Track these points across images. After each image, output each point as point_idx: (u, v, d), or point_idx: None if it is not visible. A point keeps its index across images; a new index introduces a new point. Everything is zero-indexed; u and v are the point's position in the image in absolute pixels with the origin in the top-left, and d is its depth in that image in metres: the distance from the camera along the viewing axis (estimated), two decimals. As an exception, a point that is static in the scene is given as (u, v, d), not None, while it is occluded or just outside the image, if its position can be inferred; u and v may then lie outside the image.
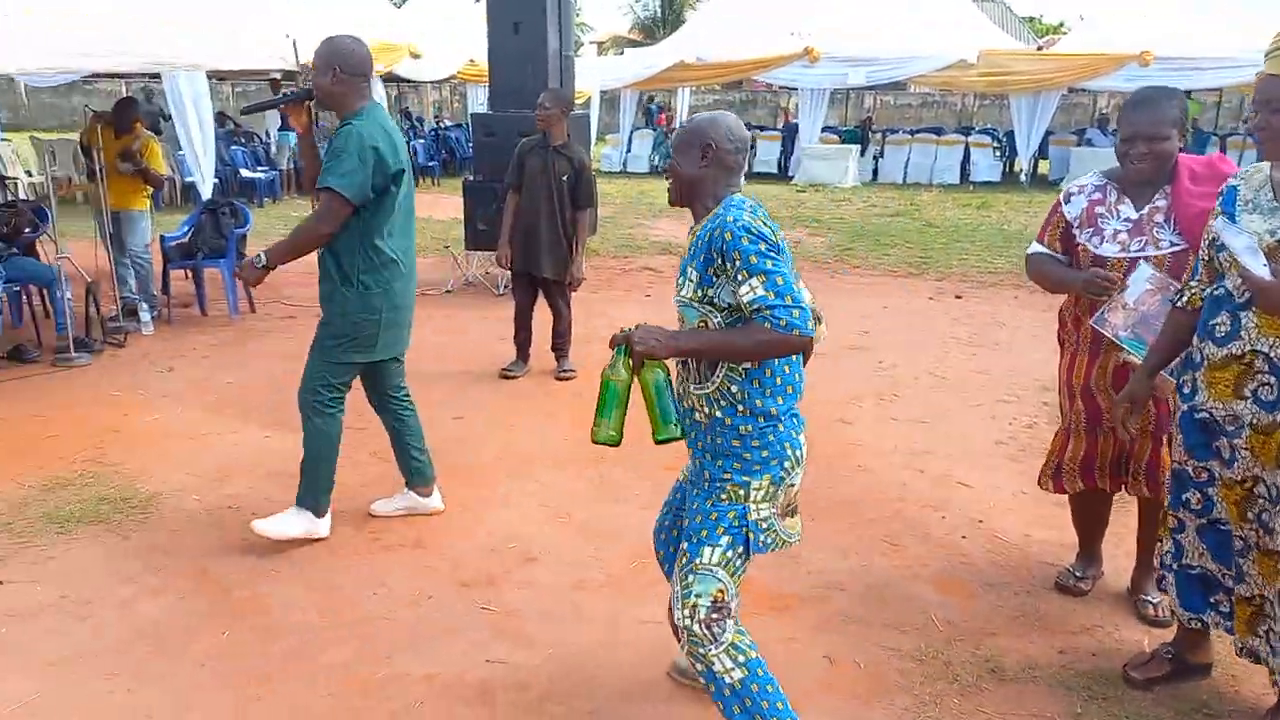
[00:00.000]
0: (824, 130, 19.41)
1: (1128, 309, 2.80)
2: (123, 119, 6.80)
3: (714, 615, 2.24)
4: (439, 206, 14.03)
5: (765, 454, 2.25)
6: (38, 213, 6.97)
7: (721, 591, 2.25)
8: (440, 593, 3.29)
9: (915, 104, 30.88)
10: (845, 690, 2.77)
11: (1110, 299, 2.82)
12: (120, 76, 21.11)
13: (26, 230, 6.67)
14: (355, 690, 2.74)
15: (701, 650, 2.25)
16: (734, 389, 2.24)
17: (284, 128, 15.02)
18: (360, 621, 3.10)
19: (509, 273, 6.20)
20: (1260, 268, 2.28)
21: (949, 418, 5.19)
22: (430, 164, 18.12)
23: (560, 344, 5.85)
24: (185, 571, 3.41)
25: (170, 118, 7.47)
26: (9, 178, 12.07)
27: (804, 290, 2.24)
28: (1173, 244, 2.80)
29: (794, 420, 2.31)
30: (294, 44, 7.14)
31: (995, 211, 13.95)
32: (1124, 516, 3.48)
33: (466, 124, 18.17)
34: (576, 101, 17.76)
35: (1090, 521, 3.29)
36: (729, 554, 2.26)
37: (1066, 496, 3.25)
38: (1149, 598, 3.10)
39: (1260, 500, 2.40)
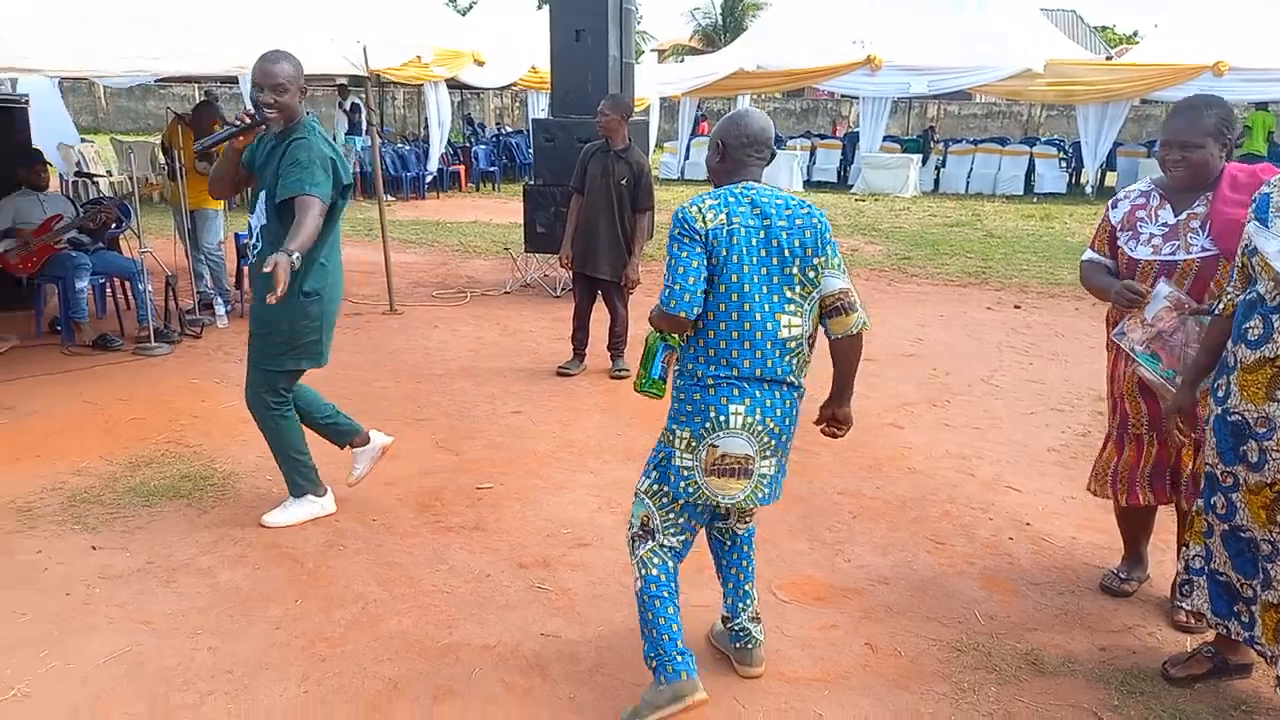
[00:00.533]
0: (885, 139, 19.34)
1: (1146, 324, 2.86)
2: (201, 121, 7.11)
3: (639, 534, 2.65)
4: (500, 211, 14.33)
5: (689, 409, 2.54)
6: (121, 209, 7.32)
7: (648, 517, 2.64)
8: (497, 572, 3.45)
9: (980, 114, 30.47)
10: (884, 674, 2.86)
11: (1132, 313, 2.89)
12: (191, 80, 21.90)
13: (111, 226, 7.01)
14: (416, 656, 2.90)
15: (630, 556, 2.68)
16: (682, 352, 2.60)
17: (350, 132, 15.44)
18: (421, 595, 3.27)
19: (568, 274, 6.37)
20: None
21: (1001, 425, 5.22)
22: (491, 169, 18.46)
23: (616, 343, 6.00)
24: (260, 544, 3.62)
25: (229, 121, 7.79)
26: (95, 175, 12.63)
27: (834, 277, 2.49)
28: (1204, 249, 2.83)
29: (731, 390, 2.49)
30: (364, 49, 7.40)
31: (1059, 223, 13.79)
32: (1172, 522, 3.50)
33: (527, 130, 18.49)
34: (636, 108, 17.98)
35: (1134, 525, 3.32)
36: (654, 487, 2.64)
37: (1114, 503, 3.29)
38: (1182, 604, 3.12)
39: None
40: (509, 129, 23.12)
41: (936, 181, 19.08)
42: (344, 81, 15.68)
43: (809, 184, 19.37)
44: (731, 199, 2.51)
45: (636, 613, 2.63)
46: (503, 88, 18.34)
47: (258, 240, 3.57)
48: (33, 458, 4.36)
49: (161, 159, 9.76)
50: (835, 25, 18.46)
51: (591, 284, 5.89)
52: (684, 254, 2.46)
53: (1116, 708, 2.68)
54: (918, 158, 18.61)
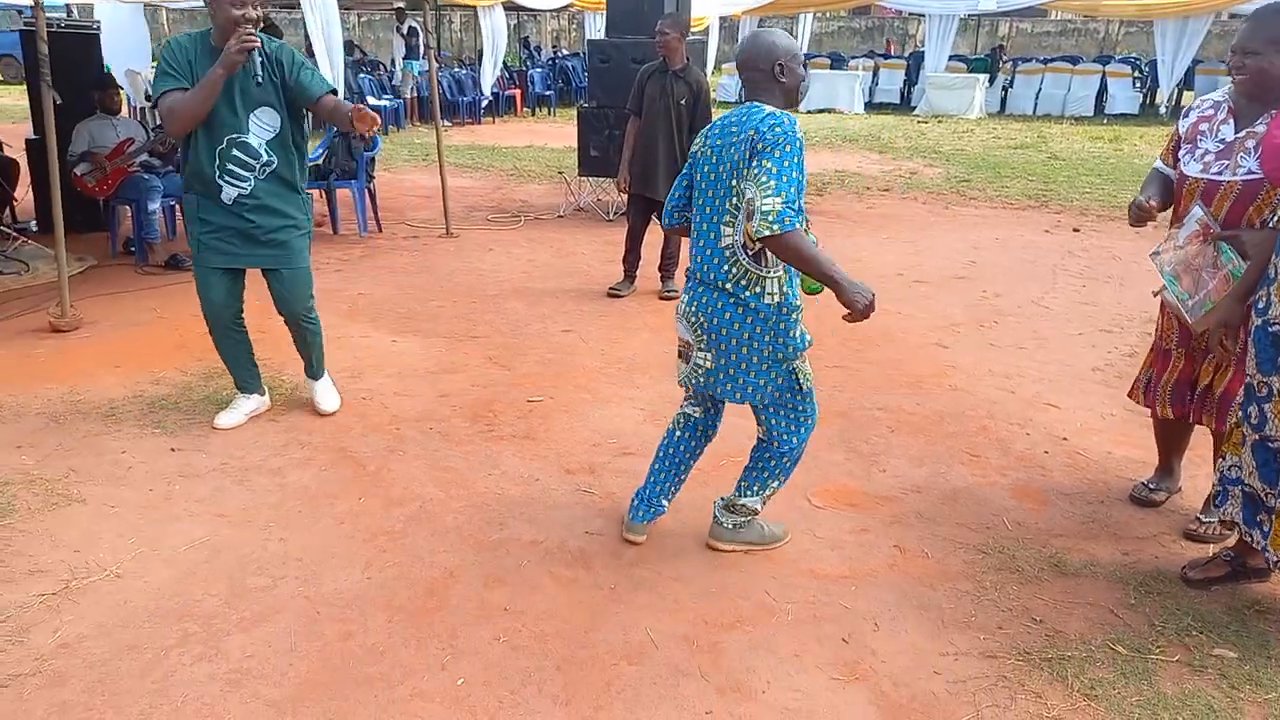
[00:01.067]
0: (951, 59, 18.79)
1: (1177, 246, 2.87)
2: None
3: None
4: (554, 135, 14.35)
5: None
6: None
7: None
8: (546, 477, 3.64)
9: (1054, 31, 29.23)
10: (911, 574, 2.99)
11: (1170, 233, 2.89)
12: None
13: (178, 150, 7.26)
14: (469, 548, 3.12)
15: None
16: None
17: (408, 56, 15.50)
18: (474, 496, 3.48)
19: (621, 198, 6.43)
20: None
21: (1047, 345, 5.23)
22: (547, 93, 18.42)
23: (667, 265, 6.09)
24: (326, 448, 3.86)
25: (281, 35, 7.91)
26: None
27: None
28: (1249, 172, 2.77)
29: (688, 285, 2.91)
30: (421, -27, 7.46)
31: (1128, 144, 13.38)
32: (1208, 439, 3.54)
33: (583, 53, 18.35)
34: (693, 28, 17.71)
35: (1170, 438, 3.36)
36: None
37: (1150, 415, 3.34)
38: (1203, 515, 3.18)
39: None
40: (565, 52, 22.93)
41: (1003, 102, 18.56)
42: (401, 5, 15.70)
43: (870, 105, 18.98)
44: (720, 124, 2.78)
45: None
46: (559, 9, 18.20)
47: (264, 152, 3.71)
48: (113, 368, 4.66)
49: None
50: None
51: (649, 206, 5.94)
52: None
53: (1133, 606, 2.79)
54: (984, 78, 18.07)
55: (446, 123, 15.77)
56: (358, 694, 2.44)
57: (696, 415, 3.14)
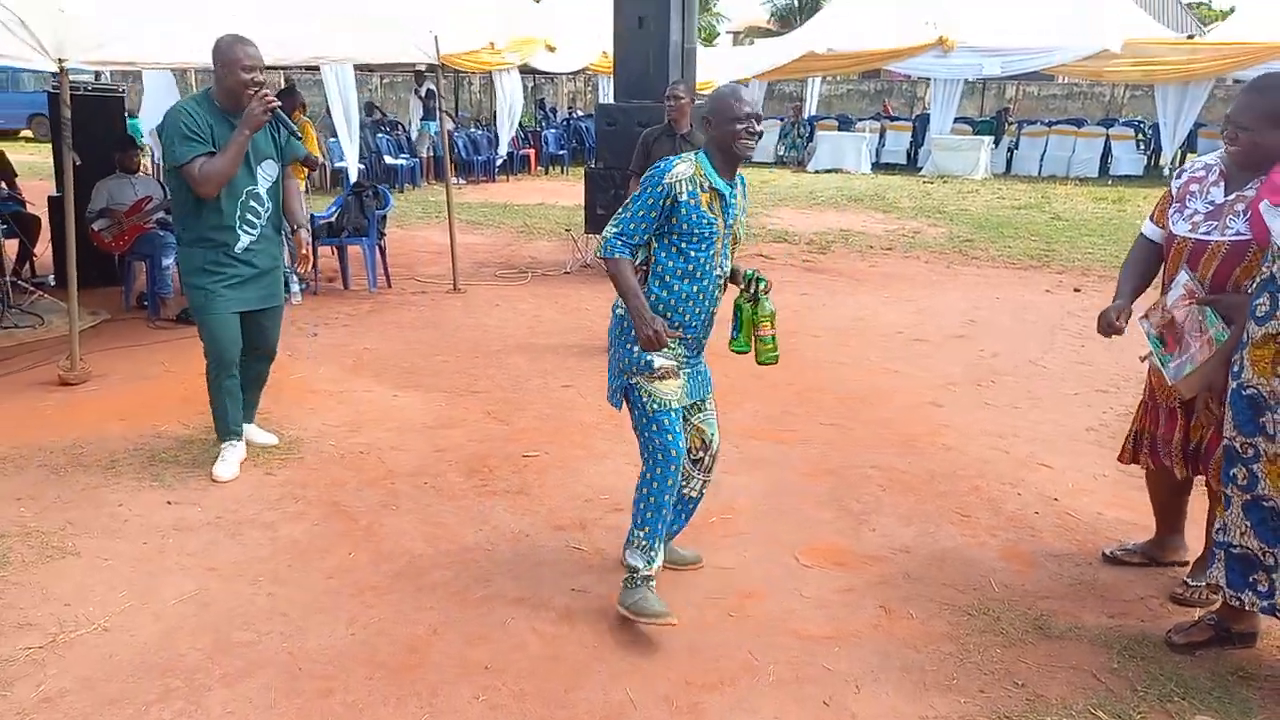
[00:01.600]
0: (957, 121, 19.04)
1: (1165, 310, 2.90)
2: (285, 108, 7.44)
3: None
4: (566, 193, 14.58)
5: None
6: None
7: None
8: (536, 533, 3.67)
9: (1060, 94, 29.52)
10: (896, 635, 2.99)
11: (1158, 299, 2.94)
12: (271, 68, 22.63)
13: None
14: (454, 605, 3.13)
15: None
16: None
17: (425, 117, 15.84)
18: (463, 551, 3.50)
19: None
20: None
21: (1042, 404, 5.25)
22: (560, 152, 18.74)
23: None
24: (320, 502, 3.90)
25: (306, 106, 8.14)
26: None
27: None
28: (1237, 234, 2.78)
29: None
30: (435, 38, 7.67)
31: (1131, 205, 13.46)
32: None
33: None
34: (702, 91, 18.00)
35: (1165, 497, 3.33)
36: None
37: (1145, 476, 3.34)
38: (1190, 580, 3.17)
39: None
40: (580, 113, 23.37)
41: (1009, 163, 18.74)
42: (422, 68, 16.08)
43: (877, 166, 19.19)
44: None
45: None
46: (575, 72, 18.59)
47: (266, 199, 4.06)
48: (117, 421, 4.73)
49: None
50: (908, 6, 18.20)
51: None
52: None
53: (1116, 670, 2.77)
54: (989, 139, 18.28)
55: (461, 181, 16.05)
56: (334, 750, 2.45)
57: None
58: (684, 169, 2.85)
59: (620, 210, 2.91)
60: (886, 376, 5.73)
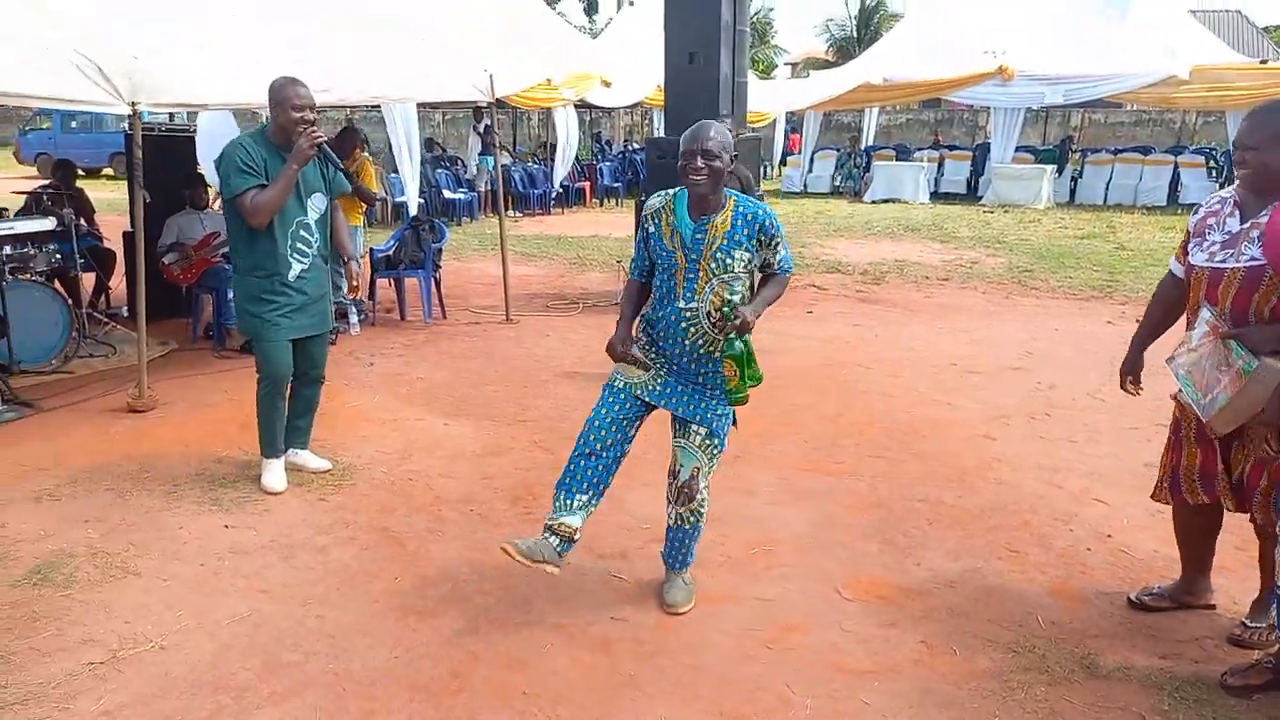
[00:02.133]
0: (1019, 149, 18.83)
1: (1190, 350, 2.85)
2: (344, 146, 7.71)
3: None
4: (619, 225, 14.72)
5: None
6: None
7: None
8: (578, 560, 3.69)
9: (1129, 121, 29.00)
10: (936, 670, 2.95)
11: (1184, 338, 2.90)
12: (334, 107, 23.40)
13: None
14: (495, 630, 3.18)
15: (704, 508, 3.28)
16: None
17: (484, 152, 16.18)
18: (506, 577, 3.55)
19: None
20: None
21: (1100, 439, 5.13)
22: (615, 185, 18.96)
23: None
24: (369, 528, 3.99)
25: (367, 144, 8.40)
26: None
27: None
28: (1251, 260, 2.74)
29: None
30: (490, 77, 7.87)
31: (1200, 235, 13.11)
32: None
33: (652, 147, 18.91)
34: (756, 124, 18.12)
35: (1192, 537, 3.24)
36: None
37: (1172, 514, 3.27)
38: (1249, 621, 3.07)
39: None
40: (636, 146, 23.63)
41: (1072, 192, 18.44)
42: (483, 105, 16.47)
43: (936, 195, 19.04)
44: None
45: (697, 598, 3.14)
46: (631, 106, 18.85)
47: (316, 230, 4.24)
48: (181, 447, 4.90)
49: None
50: (968, 36, 18.14)
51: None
52: None
53: (1166, 712, 2.70)
54: (1051, 168, 18.02)
55: (517, 214, 16.34)
56: (373, 771, 2.50)
57: None
58: (656, 202, 3.17)
59: None
60: (938, 409, 5.66)
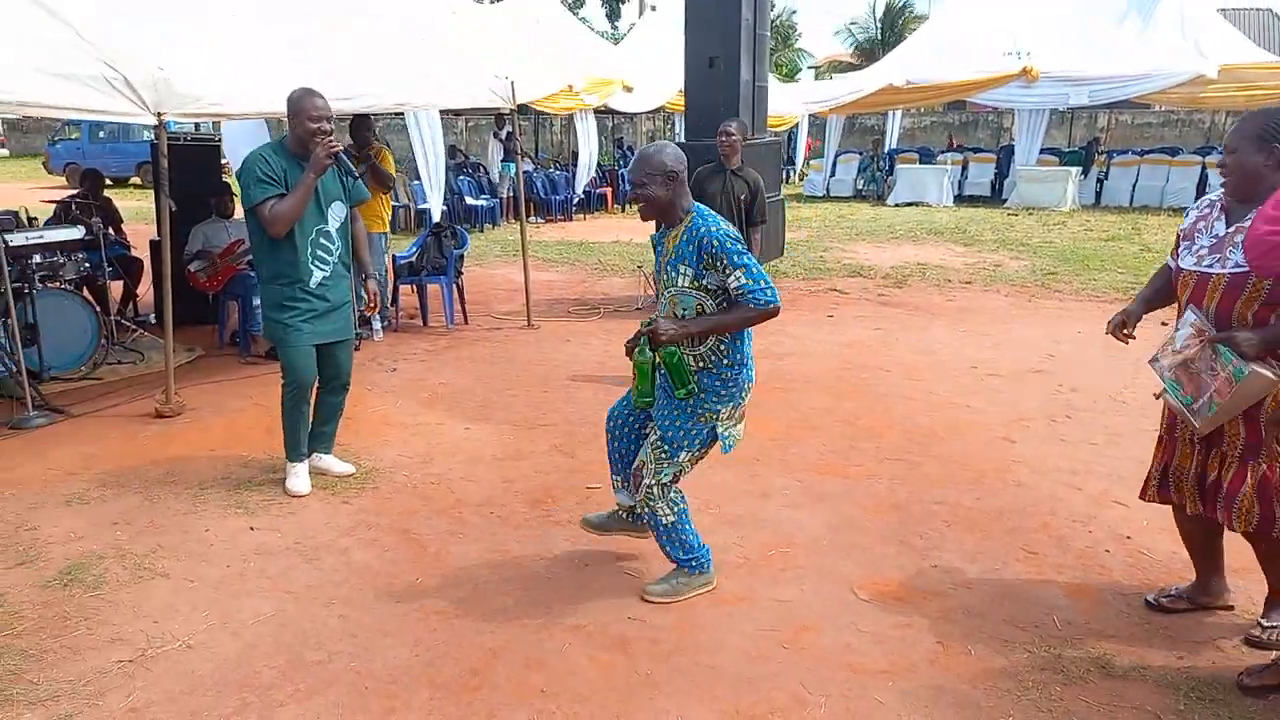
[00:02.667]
0: (1043, 151, 18.69)
1: (1175, 351, 2.85)
2: (357, 135, 7.66)
3: (669, 483, 3.33)
4: (641, 230, 14.69)
5: (732, 388, 3.27)
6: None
7: (679, 473, 3.35)
8: (596, 562, 3.74)
9: (1156, 122, 28.61)
10: (951, 670, 2.96)
11: (1167, 339, 2.90)
12: (359, 116, 23.60)
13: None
14: (515, 630, 3.22)
15: (651, 503, 3.34)
16: (721, 348, 3.21)
17: (506, 159, 16.28)
18: (525, 579, 3.59)
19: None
20: None
21: (1121, 441, 5.11)
22: (639, 190, 18.98)
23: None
24: (391, 530, 4.05)
25: (376, 134, 8.37)
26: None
27: None
28: (1236, 265, 2.75)
29: (751, 366, 3.32)
30: (511, 83, 7.94)
31: (1227, 235, 12.97)
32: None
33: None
34: (779, 128, 18.10)
35: (1198, 539, 3.24)
36: (694, 453, 3.33)
37: (1174, 516, 3.26)
38: (1266, 621, 3.06)
39: None
40: (658, 151, 23.70)
41: (1098, 194, 18.27)
42: (505, 111, 16.55)
43: (960, 198, 18.93)
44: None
45: (690, 568, 3.44)
46: (653, 111, 18.91)
47: (336, 238, 4.30)
48: (207, 451, 4.99)
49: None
50: (992, 37, 18.04)
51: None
52: (754, 260, 3.13)
53: (1181, 712, 2.69)
54: (1076, 170, 17.86)
55: (539, 220, 16.42)
56: (393, 767, 2.54)
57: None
58: None
59: (755, 266, 3.22)
60: (958, 411, 5.65)
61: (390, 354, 7.19)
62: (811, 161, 22.65)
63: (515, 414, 5.66)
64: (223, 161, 9.40)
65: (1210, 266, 2.85)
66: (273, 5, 6.54)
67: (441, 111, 10.80)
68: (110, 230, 7.72)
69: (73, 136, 23.56)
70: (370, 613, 3.37)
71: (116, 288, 7.82)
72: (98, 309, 6.62)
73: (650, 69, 15.86)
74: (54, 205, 7.91)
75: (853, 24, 43.00)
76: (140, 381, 6.39)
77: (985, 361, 6.86)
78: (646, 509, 3.37)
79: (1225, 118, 26.27)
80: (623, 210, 18.64)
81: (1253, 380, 2.64)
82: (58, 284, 6.41)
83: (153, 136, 5.93)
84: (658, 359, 3.18)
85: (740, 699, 2.83)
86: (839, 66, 41.53)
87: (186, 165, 7.33)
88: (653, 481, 3.31)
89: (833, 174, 21.05)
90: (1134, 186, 17.81)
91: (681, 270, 3.14)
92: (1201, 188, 17.22)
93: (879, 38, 41.78)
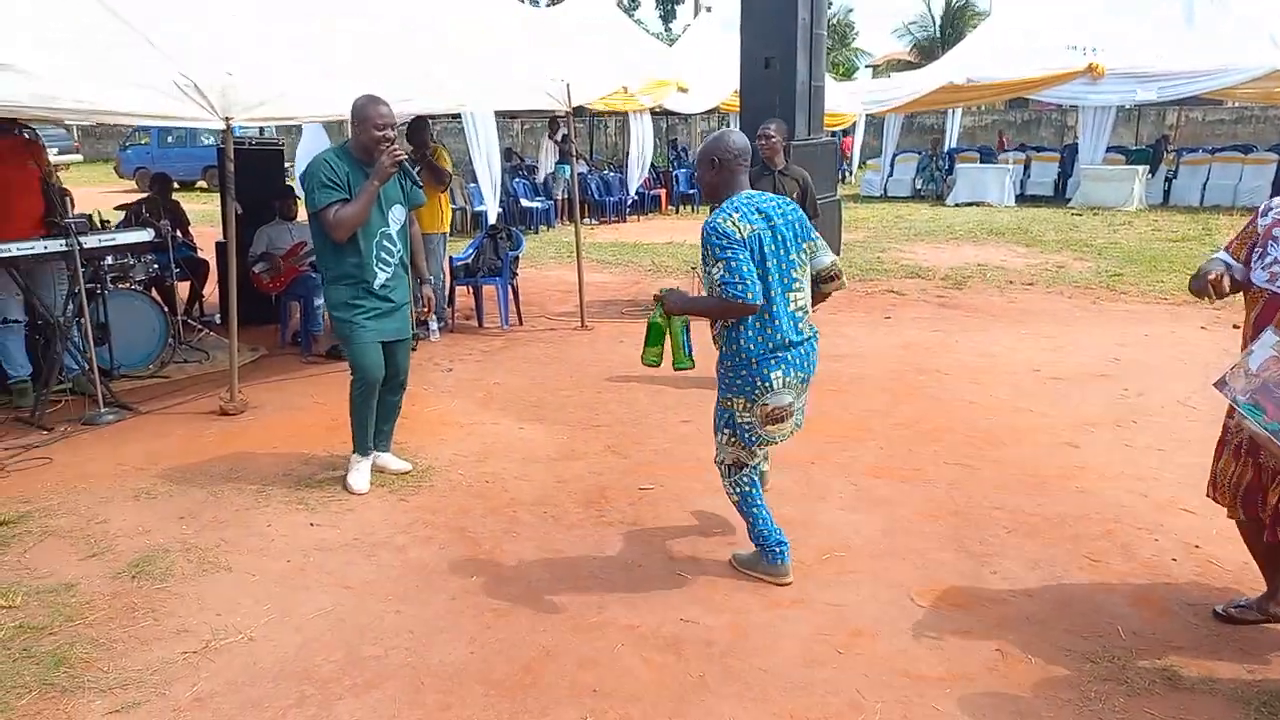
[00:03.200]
0: (1109, 150, 18.22)
1: (1250, 374, 2.70)
2: (416, 138, 7.76)
3: (733, 466, 3.51)
4: (692, 232, 14.69)
5: (739, 382, 3.35)
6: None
7: (735, 458, 3.48)
8: (649, 563, 3.74)
9: (1229, 119, 27.69)
10: (1010, 678, 2.90)
11: (1238, 361, 2.75)
12: (417, 117, 23.93)
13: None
14: (568, 629, 3.24)
15: (723, 480, 3.58)
16: (720, 338, 3.36)
17: (560, 161, 16.38)
18: (579, 578, 3.61)
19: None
20: None
21: (1189, 447, 4.95)
22: (691, 191, 18.97)
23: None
24: (447, 528, 4.10)
25: (432, 134, 8.46)
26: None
27: (824, 254, 3.44)
28: None
29: (773, 361, 3.29)
30: (566, 86, 7.99)
31: (1304, 235, 12.51)
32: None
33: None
34: (834, 127, 17.90)
35: (1258, 552, 3.13)
36: (730, 439, 3.49)
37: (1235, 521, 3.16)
38: None
39: None
40: (713, 153, 23.64)
41: (1166, 194, 17.74)
42: (561, 114, 16.66)
43: (1022, 198, 18.55)
44: (744, 209, 3.23)
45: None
46: (708, 112, 18.88)
47: (398, 240, 4.39)
48: (271, 448, 5.10)
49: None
50: (1055, 33, 17.65)
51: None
52: (739, 257, 3.13)
53: (1251, 728, 2.61)
54: (1143, 169, 17.37)
55: (593, 221, 16.48)
56: (448, 762, 2.57)
57: (757, 466, 3.60)
58: None
59: (735, 261, 3.26)
60: (1019, 415, 5.54)
61: (446, 354, 7.28)
62: (869, 162, 22.37)
63: (569, 414, 5.68)
64: (286, 165, 9.59)
65: None
66: (334, 8, 6.67)
67: (497, 114, 10.91)
68: (178, 233, 7.93)
69: (142, 142, 24.24)
70: (426, 608, 3.42)
71: (184, 288, 8.04)
72: (165, 309, 6.82)
73: (705, 70, 15.80)
74: (125, 210, 8.15)
75: (910, 24, 42.45)
76: (205, 380, 6.56)
77: (1047, 364, 6.71)
78: (725, 487, 3.59)
79: (1305, 114, 25.36)
80: (676, 211, 18.64)
81: None
82: (128, 285, 6.61)
83: (219, 141, 6.08)
84: (663, 324, 3.54)
85: (794, 703, 2.80)
86: (897, 65, 40.97)
87: (251, 169, 7.50)
88: (717, 461, 3.57)
89: (890, 174, 20.77)
90: (1205, 186, 17.27)
91: (701, 254, 3.32)
92: (1278, 186, 16.64)
93: (939, 36, 41.16)
